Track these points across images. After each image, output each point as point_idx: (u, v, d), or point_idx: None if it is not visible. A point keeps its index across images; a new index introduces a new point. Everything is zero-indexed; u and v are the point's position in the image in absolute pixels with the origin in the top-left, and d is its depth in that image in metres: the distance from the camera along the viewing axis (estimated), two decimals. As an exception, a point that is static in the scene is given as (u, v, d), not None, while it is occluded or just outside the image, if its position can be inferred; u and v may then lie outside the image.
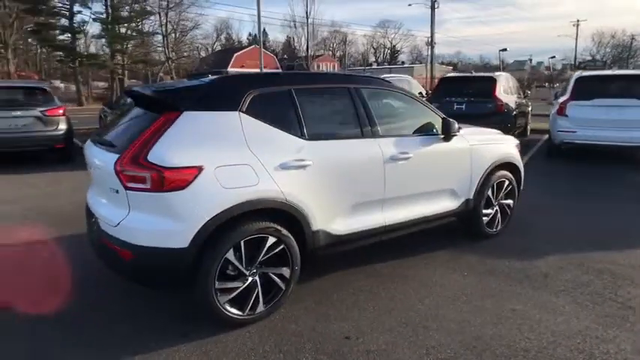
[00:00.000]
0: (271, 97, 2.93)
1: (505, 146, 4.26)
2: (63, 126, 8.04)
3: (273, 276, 2.84)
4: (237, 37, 75.44)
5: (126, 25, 41.96)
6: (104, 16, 39.01)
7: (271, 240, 2.75)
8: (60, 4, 36.55)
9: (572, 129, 8.16)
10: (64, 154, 8.28)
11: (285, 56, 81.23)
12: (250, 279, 2.74)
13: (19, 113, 7.55)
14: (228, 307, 2.68)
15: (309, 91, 3.13)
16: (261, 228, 2.70)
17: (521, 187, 4.53)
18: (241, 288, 2.71)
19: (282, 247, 2.81)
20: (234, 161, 2.61)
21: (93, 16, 38.71)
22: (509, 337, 2.63)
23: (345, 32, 70.42)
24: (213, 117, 2.67)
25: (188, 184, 2.45)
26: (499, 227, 4.31)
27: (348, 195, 3.12)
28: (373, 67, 63.24)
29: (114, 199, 2.62)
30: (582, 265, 3.64)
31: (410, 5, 38.99)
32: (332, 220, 3.06)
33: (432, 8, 35.27)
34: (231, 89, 2.82)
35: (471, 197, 3.94)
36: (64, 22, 38.01)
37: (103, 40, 41.45)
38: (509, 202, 4.38)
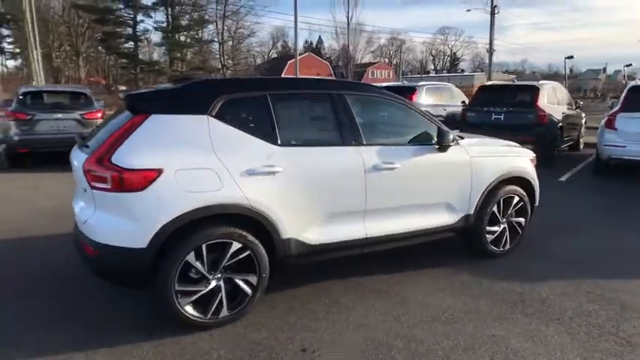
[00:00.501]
0: (244, 102, 2.92)
1: (514, 159, 3.96)
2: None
3: (239, 282, 2.81)
4: (293, 44, 76.88)
5: (185, 33, 44.24)
6: (165, 25, 41.34)
7: (236, 245, 2.73)
8: (125, 14, 39.15)
9: (621, 143, 7.47)
10: None
11: (340, 63, 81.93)
12: (214, 283, 2.73)
13: (60, 116, 8.14)
14: (190, 310, 2.68)
15: (287, 97, 3.09)
16: (224, 233, 2.69)
17: (536, 204, 4.20)
18: (203, 292, 2.71)
19: (248, 253, 2.77)
20: (196, 165, 2.62)
21: (155, 25, 41.22)
22: (477, 366, 2.43)
23: (402, 39, 69.79)
24: (181, 120, 2.70)
25: (147, 185, 2.49)
26: (507, 246, 4.01)
27: (324, 204, 3.03)
28: (431, 74, 62.04)
29: (84, 198, 2.73)
30: (591, 293, 3.30)
31: (469, 11, 37.87)
32: (305, 228, 2.99)
33: (492, 14, 33.93)
34: (201, 94, 2.84)
35: (472, 213, 3.70)
36: (128, 31, 40.63)
37: (164, 47, 43.87)
38: (520, 220, 4.06)
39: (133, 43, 41.06)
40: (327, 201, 3.04)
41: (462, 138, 3.94)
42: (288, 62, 59.95)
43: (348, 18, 49.45)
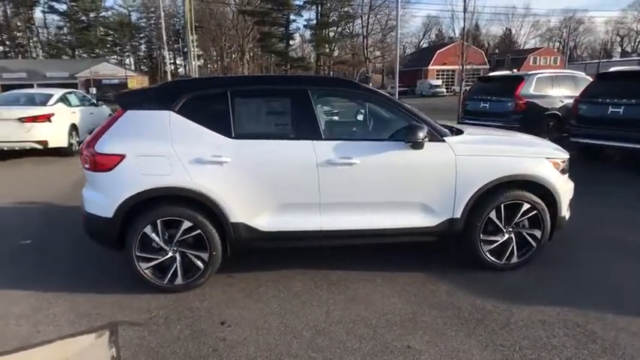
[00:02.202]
0: (206, 98, 3.25)
1: (521, 160, 3.40)
2: None
3: (192, 257, 3.21)
4: (447, 33, 73.51)
5: (333, 29, 46.43)
6: (314, 22, 44.03)
7: (187, 224, 3.12)
8: (279, 15, 42.96)
9: None
10: None
11: (497, 50, 75.52)
12: (170, 255, 3.18)
13: None
14: (149, 273, 3.18)
15: (247, 93, 3.31)
16: (175, 212, 3.10)
17: (562, 215, 3.55)
18: (160, 260, 3.18)
19: (198, 231, 3.14)
20: (153, 153, 3.08)
21: (305, 23, 44.30)
22: (362, 371, 2.36)
23: (579, 18, 60.63)
24: (148, 115, 3.18)
25: (112, 167, 3.05)
26: (514, 260, 3.51)
27: (273, 194, 3.19)
28: (614, 59, 52.74)
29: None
30: (576, 326, 2.75)
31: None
32: (256, 215, 3.21)
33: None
34: (170, 92, 3.27)
35: (457, 217, 3.36)
36: (282, 30, 44.53)
37: (312, 44, 46.83)
38: (535, 232, 3.51)
39: (285, 41, 44.89)
40: (278, 191, 3.19)
41: (460, 133, 3.62)
42: (437, 52, 57.81)
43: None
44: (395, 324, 2.81)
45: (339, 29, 47.07)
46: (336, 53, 49.69)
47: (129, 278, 3.27)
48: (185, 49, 75.11)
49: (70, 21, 60.28)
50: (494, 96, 9.24)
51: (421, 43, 74.78)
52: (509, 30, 77.81)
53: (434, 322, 2.83)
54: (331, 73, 51.31)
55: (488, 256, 3.49)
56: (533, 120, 8.72)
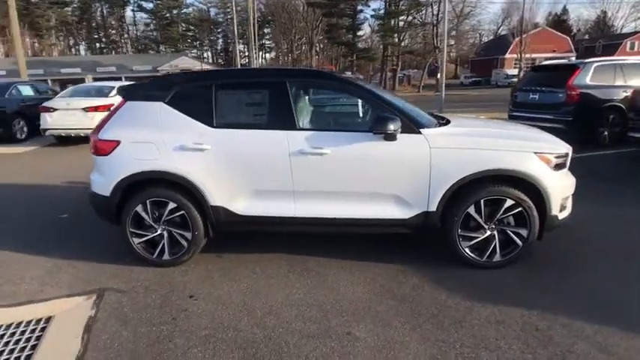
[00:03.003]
0: (193, 91, 3.49)
1: (504, 154, 3.22)
2: None
3: (177, 235, 3.51)
4: (530, 18, 68.32)
5: (403, 18, 45.28)
6: (381, 12, 43.26)
7: (172, 205, 3.43)
8: (346, 6, 42.74)
9: None
10: None
11: (587, 36, 68.89)
12: (159, 232, 3.52)
13: None
14: (141, 248, 3.55)
15: (230, 86, 3.51)
16: (162, 194, 3.42)
17: (554, 214, 3.34)
18: (149, 237, 3.53)
19: (182, 212, 3.44)
20: (144, 140, 3.40)
21: (372, 14, 43.74)
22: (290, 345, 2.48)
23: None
24: (144, 106, 3.51)
25: (110, 152, 3.43)
26: (497, 258, 3.38)
27: (248, 180, 3.38)
28: None
29: None
30: (534, 329, 2.63)
31: None
32: (233, 199, 3.42)
33: None
34: (164, 85, 3.56)
35: (433, 210, 3.31)
36: (349, 21, 44.29)
37: (379, 34, 46.08)
38: (521, 230, 3.35)
39: (351, 32, 44.62)
40: (252, 178, 3.37)
41: (446, 123, 3.54)
42: (515, 39, 54.08)
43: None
44: (346, 311, 2.88)
45: (409, 18, 45.73)
46: (405, 43, 48.42)
47: (130, 252, 3.64)
48: (260, 42, 77.96)
49: (155, 18, 65.13)
50: (545, 86, 8.58)
51: (500, 31, 70.30)
52: (604, 13, 70.40)
53: (386, 312, 2.86)
54: (399, 63, 50.24)
55: (468, 252, 3.39)
56: (589, 113, 7.99)
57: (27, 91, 11.44)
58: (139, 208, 3.46)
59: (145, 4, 65.18)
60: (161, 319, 2.83)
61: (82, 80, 35.60)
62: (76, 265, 3.67)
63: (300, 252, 3.78)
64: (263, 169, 3.36)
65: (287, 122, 3.35)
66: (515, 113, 9.38)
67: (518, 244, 3.37)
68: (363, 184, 3.33)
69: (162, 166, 3.37)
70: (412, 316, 2.81)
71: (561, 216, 3.41)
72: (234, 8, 36.54)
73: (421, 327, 2.68)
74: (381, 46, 45.58)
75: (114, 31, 67.79)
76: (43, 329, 2.76)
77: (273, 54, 77.09)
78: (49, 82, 38.79)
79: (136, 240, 3.53)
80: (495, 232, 3.37)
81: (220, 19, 75.09)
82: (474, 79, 51.81)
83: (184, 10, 67.67)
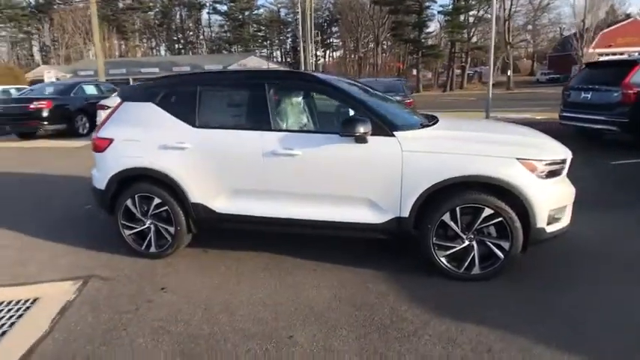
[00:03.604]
0: (180, 93, 3.65)
1: (479, 159, 2.99)
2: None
3: (162, 230, 3.70)
4: (621, 9, 61.87)
5: (472, 13, 43.27)
6: (448, 8, 41.65)
7: (157, 200, 3.62)
8: (412, 3, 41.68)
9: None
10: None
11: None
12: (147, 225, 3.73)
13: None
14: (132, 239, 3.78)
15: (213, 88, 3.62)
16: (148, 189, 3.62)
17: (537, 226, 3.04)
18: (138, 229, 3.75)
19: (165, 208, 3.62)
20: (133, 138, 3.62)
21: (439, 10, 42.22)
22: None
23: None
24: (136, 106, 3.73)
25: (104, 149, 3.70)
26: (475, 271, 3.16)
27: (226, 179, 3.46)
28: None
29: None
30: (486, 351, 2.42)
31: None
32: (212, 197, 3.53)
33: None
34: (156, 86, 3.76)
35: (405, 216, 3.17)
36: (415, 18, 43.15)
37: (446, 30, 44.38)
38: (501, 242, 3.10)
39: (417, 29, 43.44)
40: (228, 177, 3.45)
41: (433, 124, 3.39)
42: (600, 33, 49.41)
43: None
44: (299, 314, 2.86)
45: (480, 12, 43.59)
46: (475, 39, 46.25)
47: (124, 244, 3.90)
48: (326, 41, 78.73)
49: (228, 20, 68.23)
50: (600, 84, 7.75)
51: (584, 24, 64.35)
52: None
53: (337, 319, 2.79)
54: (468, 59, 48.12)
55: (445, 262, 3.21)
56: (647, 115, 7.12)
57: (90, 90, 12.60)
58: (129, 202, 3.69)
59: (219, 7, 68.61)
60: (126, 308, 3.00)
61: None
62: (78, 252, 4.00)
63: (284, 252, 3.80)
64: (239, 168, 3.43)
65: (262, 123, 3.38)
66: (566, 114, 8.61)
67: (499, 256, 3.12)
68: (335, 186, 3.28)
69: (148, 163, 3.56)
70: (362, 325, 2.72)
71: (551, 229, 3.11)
72: (299, 8, 37.16)
73: (366, 337, 2.59)
74: (449, 43, 43.88)
75: (191, 33, 72.09)
76: (27, 309, 3.06)
77: (340, 52, 77.51)
78: (131, 80, 42.35)
79: (127, 232, 3.77)
80: (474, 243, 3.15)
81: (290, 19, 76.85)
82: (551, 75, 48.16)
83: (256, 12, 70.17)
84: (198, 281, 3.38)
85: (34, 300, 3.17)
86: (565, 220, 3.24)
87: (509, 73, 41.57)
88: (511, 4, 41.12)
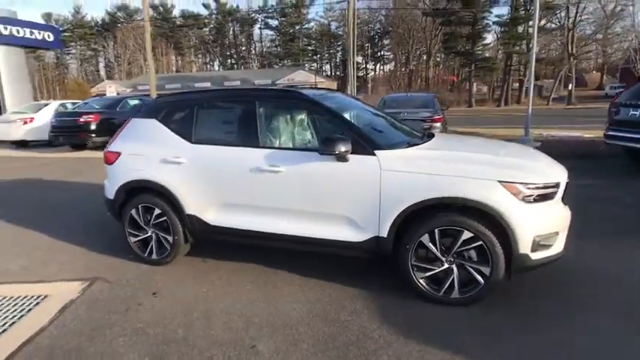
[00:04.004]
0: (180, 110, 3.91)
1: (458, 181, 2.94)
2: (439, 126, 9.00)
3: (162, 238, 3.95)
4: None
5: (532, 23, 41.62)
6: (505, 18, 40.34)
7: (157, 211, 3.88)
8: (466, 14, 40.77)
9: None
10: None
11: None
12: (149, 234, 4.00)
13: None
14: (136, 246, 4.06)
15: (209, 106, 3.85)
16: (149, 201, 3.89)
17: (520, 252, 2.94)
18: (141, 237, 4.02)
19: (164, 218, 3.87)
20: (137, 152, 3.92)
21: (492, 21, 41.02)
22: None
23: None
24: (142, 122, 4.04)
25: (113, 162, 4.04)
26: (454, 295, 3.10)
27: (217, 193, 3.64)
28: None
29: None
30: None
31: None
32: (205, 210, 3.73)
33: None
34: (160, 104, 4.05)
35: (384, 236, 3.18)
36: (469, 29, 42.16)
37: (503, 42, 42.95)
38: (483, 268, 3.02)
39: (471, 41, 42.40)
40: (219, 191, 3.64)
41: (423, 142, 3.47)
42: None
43: None
44: (269, 326, 2.96)
45: (540, 23, 41.75)
46: (536, 49, 44.25)
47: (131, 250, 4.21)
48: (377, 54, 78.81)
49: (279, 34, 70.25)
50: (651, 101, 7.20)
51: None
52: None
53: (304, 333, 2.86)
54: (526, 73, 46.14)
55: (423, 284, 3.18)
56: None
57: (135, 104, 13.51)
58: (134, 212, 3.99)
59: (270, 22, 70.88)
60: (116, 309, 3.25)
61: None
62: (94, 255, 4.35)
63: (278, 266, 3.91)
64: (228, 183, 3.61)
65: (251, 140, 3.55)
66: (612, 132, 8.06)
67: (479, 281, 3.04)
68: (316, 203, 3.36)
69: (149, 176, 3.84)
70: (326, 341, 2.77)
71: (537, 256, 2.99)
72: (349, 21, 37.59)
73: (324, 353, 2.64)
74: (504, 55, 42.44)
75: (243, 48, 74.96)
76: (36, 304, 3.39)
77: (391, 66, 77.19)
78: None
79: (132, 239, 4.06)
80: (454, 266, 3.10)
81: (340, 33, 77.78)
82: (621, 89, 44.90)
83: (306, 26, 71.64)
84: (189, 289, 3.57)
85: (44, 297, 3.51)
86: (556, 248, 3.10)
87: (570, 87, 39.41)
88: (576, 12, 38.99)
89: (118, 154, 4.03)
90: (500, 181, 2.93)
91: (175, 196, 3.75)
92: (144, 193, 3.94)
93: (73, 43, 65.56)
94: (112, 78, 59.22)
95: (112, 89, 31.90)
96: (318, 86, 49.81)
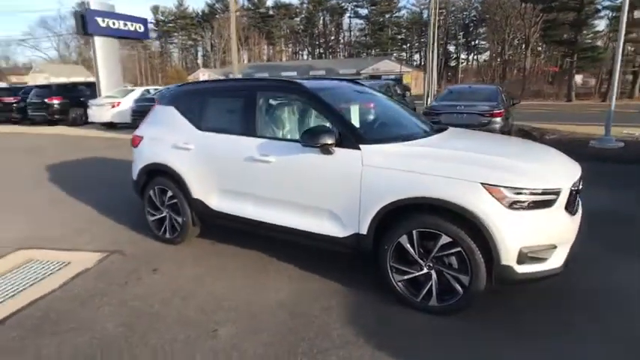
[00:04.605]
0: (192, 99, 4.09)
1: (442, 180, 2.69)
2: (499, 121, 8.27)
3: (174, 219, 4.21)
4: None
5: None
6: (619, 2, 35.57)
7: (170, 193, 4.14)
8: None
9: None
10: None
11: None
12: (163, 214, 4.29)
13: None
14: (153, 225, 4.38)
15: (217, 95, 3.97)
16: (163, 183, 4.17)
17: (503, 263, 2.64)
18: (157, 217, 4.32)
19: (175, 200, 4.12)
20: (156, 137, 4.20)
21: (604, 5, 36.38)
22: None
23: None
24: (162, 109, 4.30)
25: (137, 145, 4.37)
26: (432, 302, 2.89)
27: (217, 179, 3.78)
28: None
29: None
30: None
31: None
32: (208, 194, 3.89)
33: None
34: (178, 93, 4.27)
35: (364, 233, 3.05)
36: (574, 16, 37.93)
37: (614, 29, 38.00)
38: (462, 276, 2.78)
39: (576, 28, 38.14)
40: (218, 178, 3.77)
41: (425, 136, 3.35)
42: None
43: None
44: (238, 312, 3.03)
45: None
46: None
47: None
48: (471, 43, 74.46)
49: (368, 23, 69.55)
50: None
51: None
52: None
53: (267, 322, 2.89)
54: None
55: (401, 287, 3.02)
56: None
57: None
58: (152, 193, 4.30)
59: (360, 11, 70.42)
60: (117, 281, 3.55)
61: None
62: (121, 230, 4.78)
63: (276, 255, 3.95)
64: (226, 171, 3.73)
65: (249, 129, 3.62)
66: None
67: (458, 291, 2.80)
68: (303, 195, 3.33)
69: (163, 159, 4.10)
70: (284, 334, 2.76)
71: (525, 269, 2.67)
72: (435, 10, 36.04)
73: (274, 345, 2.64)
74: (609, 44, 37.56)
75: (332, 37, 75.54)
76: (58, 270, 3.84)
77: (486, 56, 72.52)
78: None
79: (150, 218, 4.39)
80: (433, 272, 2.89)
81: (433, 21, 74.73)
82: None
83: (396, 14, 70.01)
84: (187, 269, 3.78)
85: (67, 264, 3.95)
86: (553, 262, 2.74)
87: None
88: None
89: (141, 138, 4.36)
90: (483, 184, 2.65)
91: (184, 180, 3.97)
92: (159, 175, 4.22)
93: (175, 34, 71.38)
94: (207, 66, 63.47)
95: (204, 76, 34.40)
96: (403, 76, 48.53)
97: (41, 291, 3.42)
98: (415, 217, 2.86)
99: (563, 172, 2.92)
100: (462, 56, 76.04)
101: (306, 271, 3.66)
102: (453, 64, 72.50)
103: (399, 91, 14.10)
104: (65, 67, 66.84)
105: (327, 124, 3.25)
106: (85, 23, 13.07)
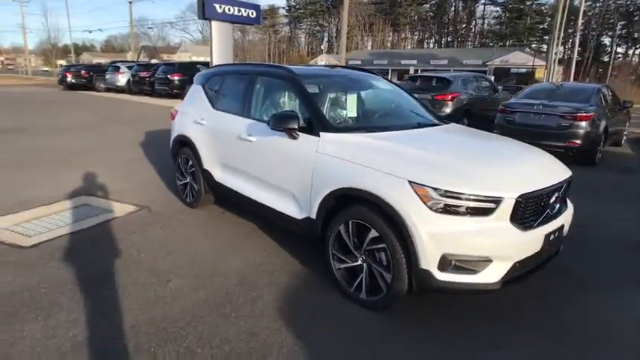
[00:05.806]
0: (215, 80, 4.53)
1: (372, 173, 2.67)
2: (584, 126, 7.39)
3: (193, 186, 4.77)
4: None
5: None
6: None
7: (191, 162, 4.71)
8: None
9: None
10: (582, 155, 7.62)
11: None
12: (187, 180, 4.88)
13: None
14: (180, 190, 5.02)
15: (231, 77, 4.32)
16: (186, 152, 4.74)
17: (421, 267, 2.53)
18: (182, 182, 4.95)
19: (193, 169, 4.66)
20: (185, 111, 4.77)
21: None
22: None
23: None
24: (195, 88, 4.84)
25: (173, 118, 5.01)
26: (362, 295, 2.90)
27: (219, 154, 4.19)
28: None
29: None
30: None
31: None
32: (214, 167, 4.34)
33: None
34: (207, 73, 4.74)
35: (314, 218, 3.17)
36: None
37: None
38: (386, 274, 2.74)
39: None
40: (221, 152, 4.18)
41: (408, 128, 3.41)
42: None
43: None
44: (197, 270, 3.41)
45: None
46: None
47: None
48: (636, 35, 63.48)
49: (505, 11, 63.80)
50: None
51: None
52: None
53: (214, 284, 3.19)
54: None
55: (338, 275, 3.09)
56: None
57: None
58: (179, 161, 4.92)
59: (497, -2, 64.95)
60: (129, 231, 4.21)
61: (415, 72, 40.21)
62: (164, 190, 5.55)
63: (268, 231, 4.24)
64: (226, 148, 4.12)
65: (245, 110, 3.95)
66: None
67: (381, 288, 2.79)
68: (274, 175, 3.57)
69: (185, 132, 4.67)
70: (217, 295, 3.04)
71: (446, 277, 2.54)
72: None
73: (205, 302, 2.95)
74: None
75: (463, 25, 71.17)
76: (97, 215, 4.67)
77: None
78: (390, 72, 45.92)
79: (178, 182, 5.04)
80: (365, 266, 2.90)
81: (585, 8, 65.52)
82: None
83: (539, 1, 62.95)
84: (187, 230, 4.29)
85: (109, 212, 4.77)
86: (485, 276, 2.54)
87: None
88: None
89: (177, 112, 4.99)
90: (410, 181, 2.57)
91: (198, 152, 4.48)
92: (184, 146, 4.80)
93: (305, 19, 74.57)
94: (330, 52, 65.25)
95: (322, 62, 35.69)
96: (535, 70, 43.93)
97: (75, 228, 4.24)
98: (354, 207, 2.89)
99: (517, 180, 2.64)
100: (620, 50, 65.62)
101: (283, 248, 3.87)
102: (605, 58, 62.89)
103: (486, 85, 12.45)
104: (205, 48, 74.65)
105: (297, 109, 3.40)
106: (204, 9, 14.58)
